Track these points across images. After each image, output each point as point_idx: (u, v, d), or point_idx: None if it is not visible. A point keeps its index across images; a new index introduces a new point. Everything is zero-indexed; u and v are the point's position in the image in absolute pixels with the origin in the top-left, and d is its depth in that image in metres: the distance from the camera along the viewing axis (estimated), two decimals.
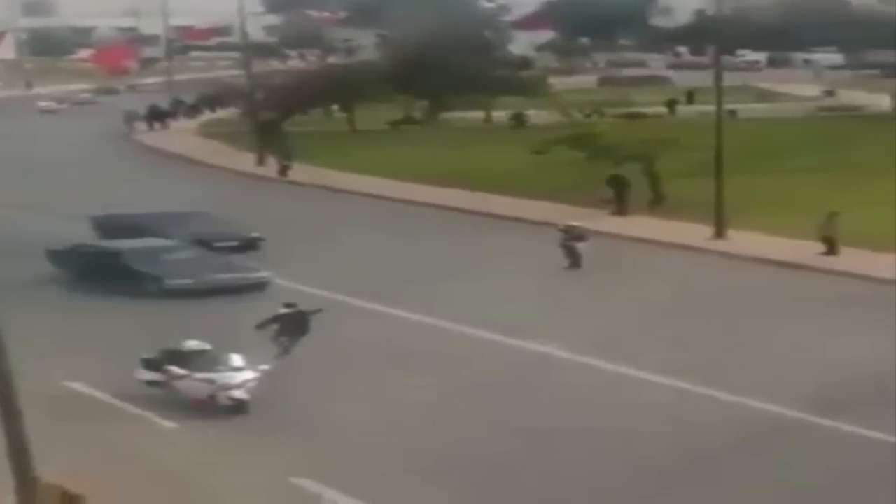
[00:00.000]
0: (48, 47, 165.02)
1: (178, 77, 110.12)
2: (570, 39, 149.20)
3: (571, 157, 53.79)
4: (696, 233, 44.14)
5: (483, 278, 38.28)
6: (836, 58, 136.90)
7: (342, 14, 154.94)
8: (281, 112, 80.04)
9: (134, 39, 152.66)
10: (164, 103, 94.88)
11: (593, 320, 33.40)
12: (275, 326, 29.31)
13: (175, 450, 23.74)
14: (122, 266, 37.27)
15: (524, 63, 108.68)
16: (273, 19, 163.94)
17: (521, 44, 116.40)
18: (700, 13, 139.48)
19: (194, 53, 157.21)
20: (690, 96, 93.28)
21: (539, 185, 53.81)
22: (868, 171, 55.27)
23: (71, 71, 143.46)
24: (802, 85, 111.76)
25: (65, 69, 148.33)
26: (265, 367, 26.16)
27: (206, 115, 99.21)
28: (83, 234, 42.27)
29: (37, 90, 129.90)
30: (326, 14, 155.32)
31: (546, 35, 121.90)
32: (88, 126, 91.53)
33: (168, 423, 25.03)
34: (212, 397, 25.43)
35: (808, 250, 40.31)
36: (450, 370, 28.63)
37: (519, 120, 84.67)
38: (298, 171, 62.40)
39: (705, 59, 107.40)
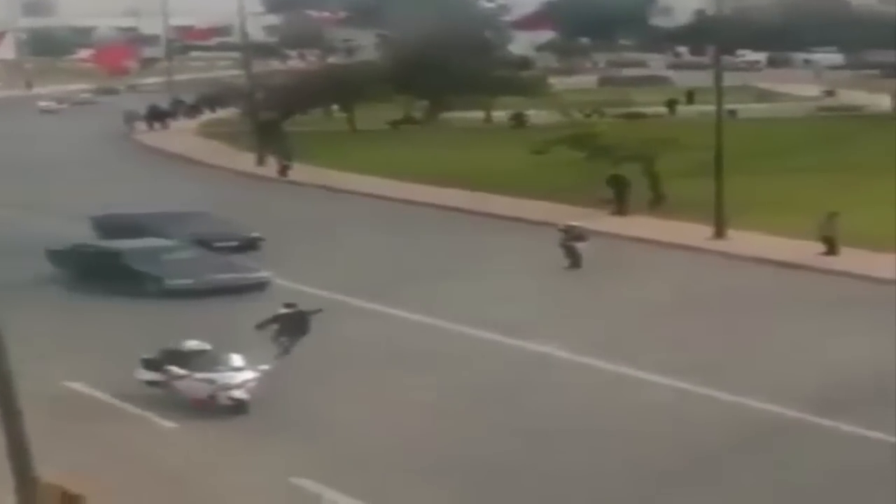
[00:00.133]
0: (48, 47, 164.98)
1: (178, 77, 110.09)
2: (570, 39, 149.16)
3: (571, 157, 53.77)
4: (696, 233, 44.12)
5: (483, 278, 38.27)
6: (836, 58, 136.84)
7: (342, 14, 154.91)
8: (281, 112, 79.98)
9: (134, 39, 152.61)
10: (164, 103, 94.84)
11: (593, 320, 33.40)
12: (275, 326, 29.31)
13: (175, 450, 23.74)
14: (122, 266, 37.27)
15: (524, 63, 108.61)
16: (273, 19, 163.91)
17: (521, 44, 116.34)
18: (700, 13, 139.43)
19: (194, 53, 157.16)
20: (690, 96, 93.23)
21: (539, 185, 53.80)
22: (868, 171, 55.26)
23: (71, 71, 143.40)
24: (802, 85, 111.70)
25: (65, 69, 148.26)
26: (265, 367, 26.16)
27: (206, 115, 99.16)
28: (83, 234, 42.26)
29: (37, 90, 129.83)
30: (326, 14, 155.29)
31: (546, 35, 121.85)
32: (88, 126, 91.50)
33: (168, 423, 25.03)
34: (212, 397, 25.43)
35: (808, 250, 40.31)
36: (450, 370, 28.63)
37: (519, 120, 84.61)
38: (298, 171, 62.38)
39: (705, 59, 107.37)
